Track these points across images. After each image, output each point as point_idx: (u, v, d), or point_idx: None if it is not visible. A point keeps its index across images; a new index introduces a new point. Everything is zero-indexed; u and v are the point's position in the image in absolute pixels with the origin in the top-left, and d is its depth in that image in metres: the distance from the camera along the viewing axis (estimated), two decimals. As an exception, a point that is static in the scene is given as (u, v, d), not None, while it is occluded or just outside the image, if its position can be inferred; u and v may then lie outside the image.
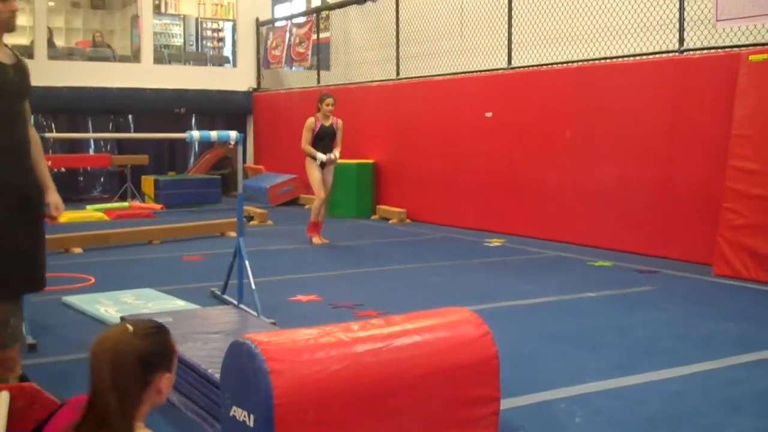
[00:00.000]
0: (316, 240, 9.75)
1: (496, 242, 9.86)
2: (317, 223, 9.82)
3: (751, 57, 7.62)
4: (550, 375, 4.60)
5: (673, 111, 8.51)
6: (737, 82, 7.65)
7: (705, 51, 8.43)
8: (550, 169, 9.94)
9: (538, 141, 10.10)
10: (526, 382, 4.38)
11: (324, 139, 9.62)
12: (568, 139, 9.69)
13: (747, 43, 7.99)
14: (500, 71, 10.89)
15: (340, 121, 9.78)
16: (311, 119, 9.61)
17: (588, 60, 9.71)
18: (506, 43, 10.84)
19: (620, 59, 9.29)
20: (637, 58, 9.09)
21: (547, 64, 10.24)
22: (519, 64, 10.71)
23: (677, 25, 8.67)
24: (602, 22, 9.76)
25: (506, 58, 10.87)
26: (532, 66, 10.45)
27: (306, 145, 9.55)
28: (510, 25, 10.79)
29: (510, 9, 10.76)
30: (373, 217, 12.55)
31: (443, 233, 10.75)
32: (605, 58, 9.49)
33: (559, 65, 10.06)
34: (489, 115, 10.79)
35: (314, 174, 9.59)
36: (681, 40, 8.66)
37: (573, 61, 9.89)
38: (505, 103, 10.58)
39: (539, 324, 5.88)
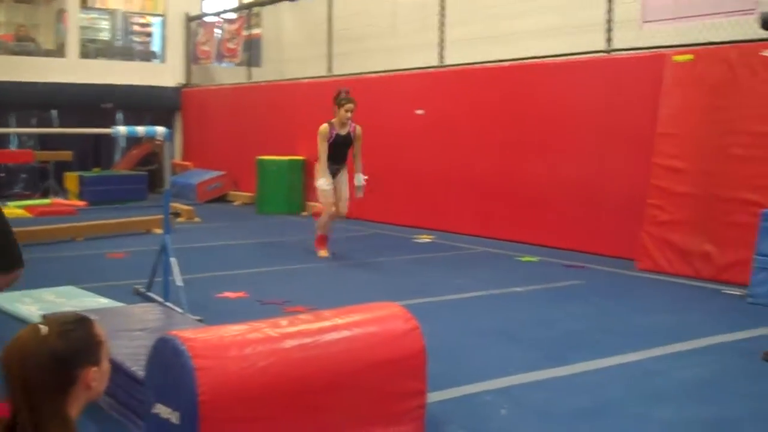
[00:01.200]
0: (322, 253, 8.56)
1: (425, 238, 9.90)
2: (324, 237, 8.65)
3: (675, 57, 7.80)
4: (477, 368, 4.63)
5: (600, 110, 8.66)
6: (662, 82, 7.82)
7: (632, 51, 8.60)
8: (479, 166, 10.02)
9: (469, 139, 10.18)
10: (453, 376, 4.40)
11: (338, 148, 8.25)
12: (497, 136, 9.78)
13: (672, 44, 8.17)
14: (432, 69, 10.94)
15: (359, 128, 8.32)
16: (325, 126, 8.19)
17: (519, 59, 9.81)
18: (438, 41, 10.89)
19: (550, 59, 9.41)
20: (567, 57, 9.22)
21: (478, 63, 10.32)
22: (451, 63, 10.77)
23: (605, 26, 8.83)
24: (533, 22, 9.88)
25: (438, 57, 10.92)
26: (464, 64, 10.52)
27: (323, 163, 8.19)
28: (442, 24, 10.84)
29: (442, 8, 10.82)
30: (302, 213, 12.49)
31: (373, 230, 10.75)
32: (536, 57, 9.60)
33: (491, 64, 10.14)
34: (420, 112, 10.83)
35: (325, 186, 8.35)
36: (609, 41, 8.81)
37: (504, 60, 9.97)
38: (436, 101, 10.63)
39: (467, 318, 5.92)
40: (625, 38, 8.72)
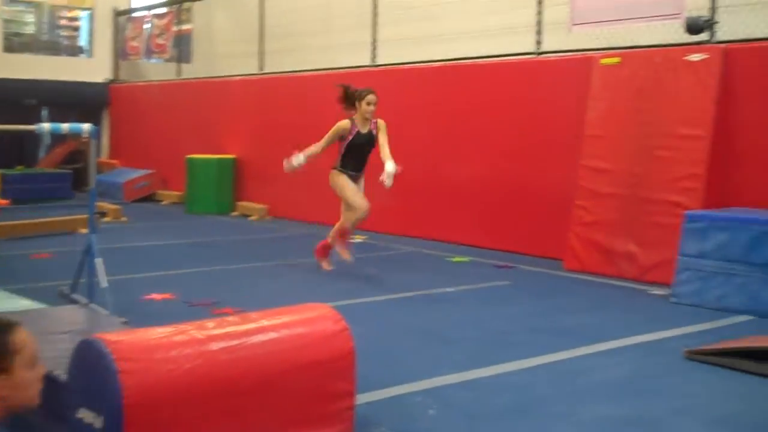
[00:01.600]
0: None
1: (357, 238, 9.87)
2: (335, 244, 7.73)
3: (602, 60, 7.95)
4: (407, 369, 4.64)
5: (529, 111, 8.77)
6: (590, 84, 7.96)
7: (561, 54, 8.73)
8: (410, 165, 9.96)
9: (399, 138, 10.15)
10: (383, 377, 4.40)
11: (358, 150, 7.41)
12: (427, 136, 9.82)
13: (599, 47, 8.31)
14: (365, 68, 10.93)
15: (381, 122, 7.43)
16: (346, 122, 7.34)
17: (450, 60, 9.87)
18: (371, 41, 10.89)
19: (481, 60, 9.48)
20: (497, 59, 9.31)
21: (410, 63, 10.36)
22: (383, 62, 10.78)
23: (535, 28, 8.94)
24: (464, 23, 9.95)
25: (371, 56, 10.92)
26: (396, 64, 10.54)
27: (316, 147, 7.44)
28: (375, 23, 10.85)
29: (375, 7, 10.83)
30: (232, 213, 12.38)
31: (304, 230, 10.69)
32: (466, 59, 9.67)
33: (422, 64, 10.19)
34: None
35: (344, 182, 7.51)
36: (539, 43, 8.93)
37: (435, 61, 10.03)
38: (368, 101, 10.61)
39: (398, 319, 5.93)
40: (554, 41, 8.85)
